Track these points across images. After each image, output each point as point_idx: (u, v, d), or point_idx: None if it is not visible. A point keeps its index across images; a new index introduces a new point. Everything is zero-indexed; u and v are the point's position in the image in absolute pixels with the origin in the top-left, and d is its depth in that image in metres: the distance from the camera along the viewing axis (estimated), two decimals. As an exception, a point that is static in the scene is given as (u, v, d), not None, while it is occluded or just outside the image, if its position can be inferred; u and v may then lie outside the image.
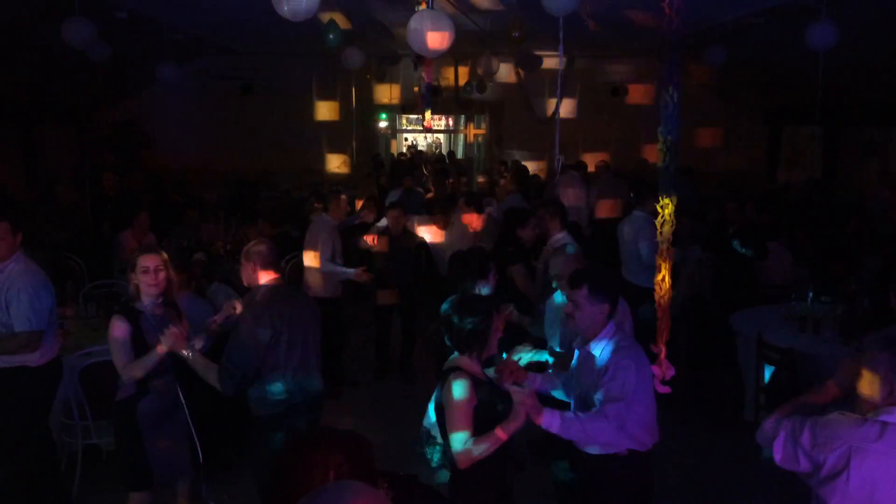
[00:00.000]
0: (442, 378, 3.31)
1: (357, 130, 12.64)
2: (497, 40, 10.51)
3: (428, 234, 8.16)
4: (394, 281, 7.52)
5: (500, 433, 3.09)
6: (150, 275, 4.23)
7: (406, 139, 20.98)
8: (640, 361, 3.31)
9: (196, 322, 5.33)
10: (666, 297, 2.81)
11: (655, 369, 3.20)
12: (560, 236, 6.02)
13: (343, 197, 7.32)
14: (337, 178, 13.66)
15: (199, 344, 4.52)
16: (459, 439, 3.12)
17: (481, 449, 3.09)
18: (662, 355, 3.13)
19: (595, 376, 3.35)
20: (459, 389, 3.16)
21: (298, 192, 12.92)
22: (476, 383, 3.23)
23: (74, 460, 5.31)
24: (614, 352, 3.32)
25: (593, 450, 3.40)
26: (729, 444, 6.25)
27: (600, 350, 3.38)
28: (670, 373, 3.18)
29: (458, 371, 3.24)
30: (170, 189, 12.57)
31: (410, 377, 7.60)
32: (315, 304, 4.55)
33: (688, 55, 10.57)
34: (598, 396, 3.30)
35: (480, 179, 13.12)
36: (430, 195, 10.85)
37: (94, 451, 5.59)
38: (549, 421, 3.20)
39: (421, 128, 16.94)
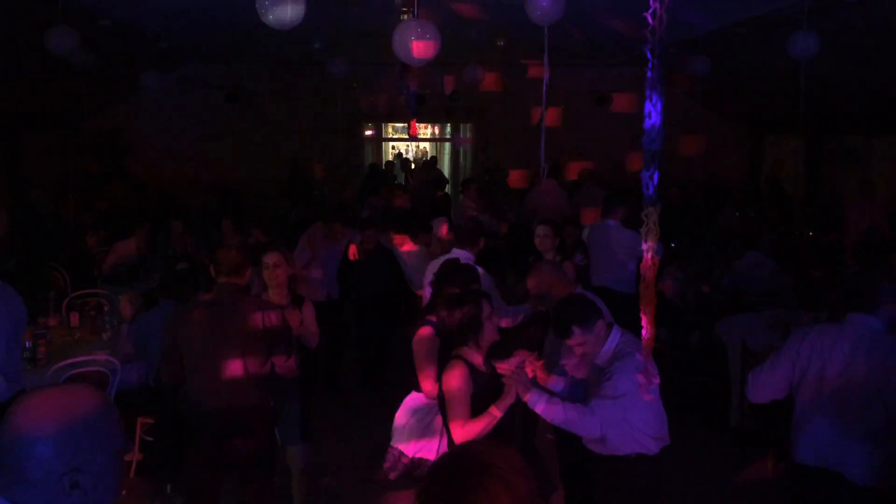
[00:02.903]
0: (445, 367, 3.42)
1: (343, 139, 12.64)
2: (482, 49, 10.56)
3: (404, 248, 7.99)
4: (368, 292, 7.58)
5: (495, 411, 3.22)
6: (269, 270, 4.66)
7: (392, 147, 20.96)
8: (638, 367, 3.34)
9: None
10: (651, 307, 2.82)
11: (640, 377, 3.20)
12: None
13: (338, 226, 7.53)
14: (323, 186, 13.63)
15: None
16: (458, 424, 3.24)
17: (478, 428, 3.21)
18: (649, 364, 3.12)
19: (600, 381, 3.46)
20: (455, 374, 3.28)
21: (283, 201, 12.89)
22: (475, 372, 3.33)
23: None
24: (615, 356, 3.43)
25: (602, 450, 3.52)
26: (714, 449, 6.28)
27: (605, 359, 3.50)
28: (656, 381, 3.18)
29: (456, 359, 3.35)
30: (153, 198, 12.52)
31: (378, 386, 7.58)
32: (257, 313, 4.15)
33: (671, 64, 10.64)
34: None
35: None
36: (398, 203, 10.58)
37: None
38: (535, 399, 3.31)
39: (407, 136, 16.93)
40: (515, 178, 11.37)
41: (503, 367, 3.28)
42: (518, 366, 3.32)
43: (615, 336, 3.51)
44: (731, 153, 14.80)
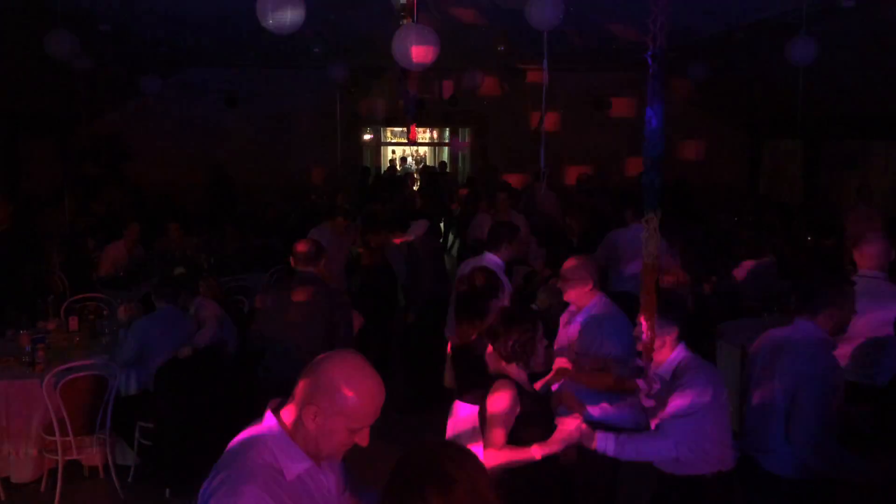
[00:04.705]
0: (487, 384, 3.35)
1: (342, 143, 12.63)
2: (482, 54, 10.57)
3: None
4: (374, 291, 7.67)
5: (536, 452, 3.13)
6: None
7: (393, 151, 20.98)
8: (710, 379, 3.36)
9: (177, 333, 5.46)
10: (652, 312, 2.82)
11: (641, 383, 3.21)
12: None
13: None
14: (321, 190, 13.64)
15: (186, 352, 5.45)
16: (493, 447, 3.17)
17: (511, 459, 3.13)
18: (648, 370, 3.13)
19: (664, 396, 3.38)
20: (504, 396, 3.21)
21: (282, 205, 12.88)
22: (521, 392, 3.28)
23: (55, 477, 5.24)
24: (682, 371, 3.37)
25: (678, 469, 3.42)
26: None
27: (670, 372, 3.41)
28: (656, 387, 3.19)
29: (504, 378, 3.29)
30: (152, 201, 12.51)
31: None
32: (324, 300, 4.96)
33: (670, 69, 10.65)
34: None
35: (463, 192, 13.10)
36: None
37: (76, 468, 5.53)
38: (604, 444, 3.23)
39: (406, 140, 16.95)
40: (511, 181, 11.38)
41: (568, 426, 3.18)
42: (576, 417, 3.25)
43: (681, 351, 3.44)
44: (729, 158, 14.82)
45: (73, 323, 6.44)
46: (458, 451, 1.97)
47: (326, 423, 2.06)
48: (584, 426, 3.17)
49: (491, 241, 5.57)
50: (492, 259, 5.41)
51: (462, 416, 4.15)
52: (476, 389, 3.88)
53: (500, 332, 3.38)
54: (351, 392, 2.05)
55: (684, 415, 3.25)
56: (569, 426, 3.15)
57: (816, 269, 3.98)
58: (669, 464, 3.45)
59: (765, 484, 3.54)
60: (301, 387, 2.09)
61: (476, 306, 4.33)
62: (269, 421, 2.11)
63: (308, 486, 2.11)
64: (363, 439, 2.12)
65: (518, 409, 3.21)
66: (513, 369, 3.35)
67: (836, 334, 3.51)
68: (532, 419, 3.23)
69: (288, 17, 5.39)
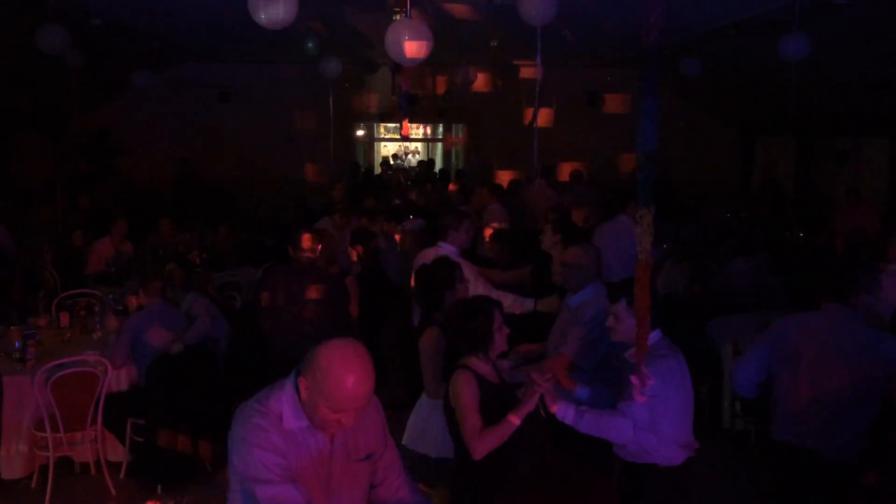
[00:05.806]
0: (448, 377, 3.37)
1: (335, 139, 12.60)
2: (475, 49, 10.56)
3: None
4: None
5: (513, 418, 3.16)
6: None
7: (385, 147, 20.90)
8: (676, 366, 3.37)
9: (169, 329, 5.41)
10: (646, 307, 2.83)
11: (634, 379, 3.21)
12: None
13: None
14: (315, 187, 13.61)
15: (177, 348, 5.50)
16: (474, 433, 3.16)
17: (496, 436, 3.15)
18: (641, 365, 3.13)
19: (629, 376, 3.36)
20: (463, 384, 3.23)
21: (275, 201, 12.85)
22: (483, 382, 3.28)
23: (46, 473, 5.22)
24: (650, 357, 3.31)
25: (629, 456, 3.44)
26: (706, 450, 6.27)
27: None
28: (650, 383, 3.19)
29: (462, 368, 3.30)
30: (143, 197, 12.46)
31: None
32: (331, 291, 5.38)
33: (663, 65, 10.63)
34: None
35: (451, 187, 13.07)
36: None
37: (67, 464, 5.51)
38: (564, 411, 3.27)
39: (399, 136, 16.91)
40: (504, 178, 11.37)
41: (539, 380, 3.19)
42: (548, 375, 3.26)
43: (655, 336, 3.41)
44: (722, 154, 14.85)
45: (65, 319, 6.42)
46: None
47: (312, 397, 2.28)
48: (550, 383, 3.21)
49: (440, 231, 5.72)
50: (444, 248, 5.52)
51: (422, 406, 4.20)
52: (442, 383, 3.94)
53: (455, 325, 3.39)
54: (331, 378, 2.23)
55: (646, 398, 3.24)
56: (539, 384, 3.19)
57: (845, 257, 3.99)
58: (629, 451, 3.45)
59: (830, 474, 3.58)
60: (305, 358, 2.33)
61: (432, 298, 4.32)
62: (290, 378, 2.38)
63: (303, 441, 2.36)
64: (348, 421, 2.30)
65: (480, 396, 3.23)
66: (473, 361, 3.34)
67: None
68: (495, 410, 3.22)
69: (280, 11, 5.37)
